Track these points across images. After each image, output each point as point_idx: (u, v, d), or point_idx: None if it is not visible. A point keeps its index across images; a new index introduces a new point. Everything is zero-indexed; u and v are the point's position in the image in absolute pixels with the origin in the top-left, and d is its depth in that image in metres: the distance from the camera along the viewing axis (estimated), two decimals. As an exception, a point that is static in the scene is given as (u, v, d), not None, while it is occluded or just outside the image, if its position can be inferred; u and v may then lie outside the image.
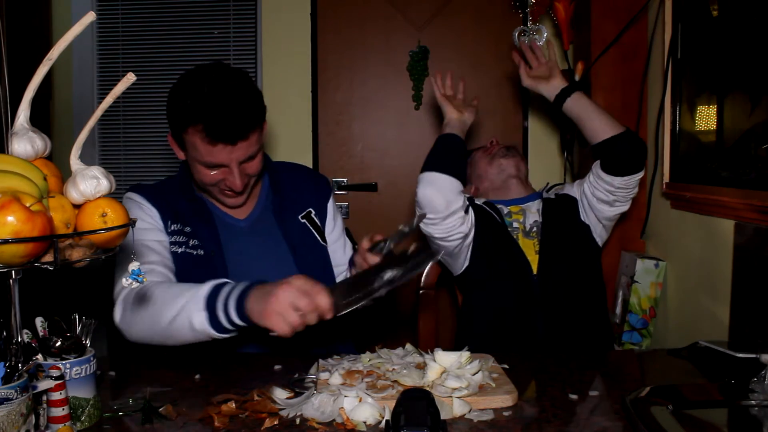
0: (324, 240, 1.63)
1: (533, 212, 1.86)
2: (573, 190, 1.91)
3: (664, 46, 2.01)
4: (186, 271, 1.46)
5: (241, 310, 1.17)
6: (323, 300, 1.13)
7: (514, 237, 1.81)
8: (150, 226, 1.48)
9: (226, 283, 1.22)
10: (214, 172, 1.42)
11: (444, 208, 1.67)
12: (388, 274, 1.02)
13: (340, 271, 1.66)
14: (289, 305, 1.12)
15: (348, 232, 1.73)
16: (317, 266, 1.58)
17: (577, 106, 1.76)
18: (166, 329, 1.23)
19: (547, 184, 2.02)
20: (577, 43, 2.45)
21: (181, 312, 1.20)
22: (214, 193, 1.51)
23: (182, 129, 1.39)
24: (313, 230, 1.61)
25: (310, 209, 1.63)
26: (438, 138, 1.77)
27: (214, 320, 1.18)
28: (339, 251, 1.66)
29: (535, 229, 1.83)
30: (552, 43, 2.03)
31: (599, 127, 1.73)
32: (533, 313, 1.73)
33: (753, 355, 1.17)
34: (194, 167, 1.44)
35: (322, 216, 1.65)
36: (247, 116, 1.38)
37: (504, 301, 1.76)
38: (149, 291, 1.28)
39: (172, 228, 1.51)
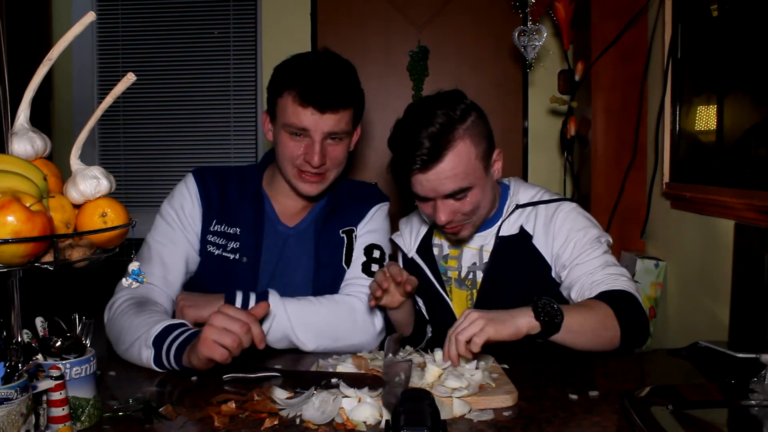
0: (348, 263, 1.55)
1: (474, 249, 1.54)
2: (541, 237, 1.48)
3: (664, 46, 2.01)
4: (215, 270, 1.50)
5: (179, 358, 1.22)
6: (256, 329, 1.17)
7: (447, 289, 1.55)
8: (181, 225, 1.49)
9: (179, 326, 1.27)
10: (298, 142, 1.45)
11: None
12: (334, 380, 1.09)
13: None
14: (222, 330, 1.15)
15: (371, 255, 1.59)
16: (331, 292, 1.51)
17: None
18: (124, 354, 1.31)
19: (516, 206, 1.52)
20: (577, 43, 2.45)
21: (134, 344, 1.28)
22: (292, 176, 1.49)
23: (278, 93, 1.45)
24: (345, 250, 1.55)
25: (353, 227, 1.58)
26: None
27: (158, 360, 1.25)
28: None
29: (470, 276, 1.54)
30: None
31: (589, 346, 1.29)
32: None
33: (753, 355, 1.17)
34: (279, 138, 1.47)
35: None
36: (342, 88, 1.44)
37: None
38: (119, 320, 1.35)
39: (215, 228, 1.52)
